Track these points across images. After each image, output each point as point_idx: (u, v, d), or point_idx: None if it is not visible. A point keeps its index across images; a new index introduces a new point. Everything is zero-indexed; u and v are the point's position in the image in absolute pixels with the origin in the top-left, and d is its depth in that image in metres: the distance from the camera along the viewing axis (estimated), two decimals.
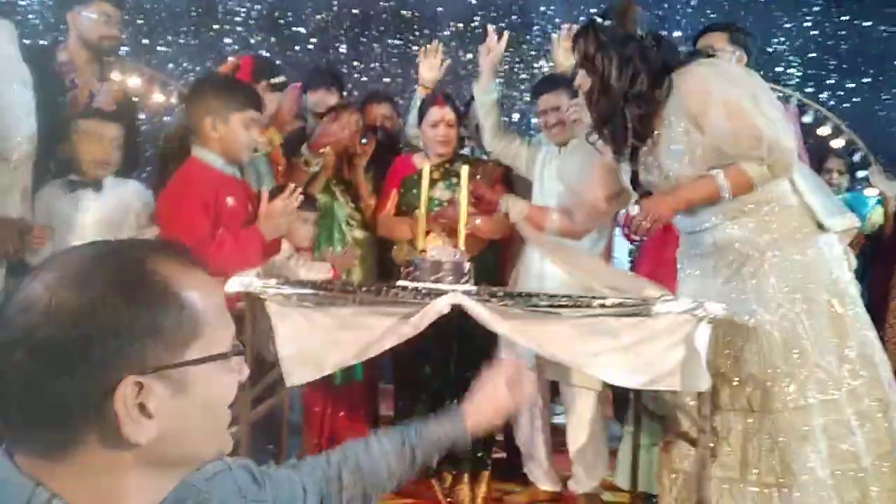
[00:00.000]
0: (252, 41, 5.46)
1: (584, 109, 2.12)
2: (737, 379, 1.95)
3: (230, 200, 2.03)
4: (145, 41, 5.35)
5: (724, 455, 1.94)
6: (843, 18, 5.95)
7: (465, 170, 2.19)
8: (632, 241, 2.15)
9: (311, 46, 5.60)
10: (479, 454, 2.62)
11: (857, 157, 4.03)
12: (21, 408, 0.61)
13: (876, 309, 2.97)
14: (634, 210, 1.98)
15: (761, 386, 1.91)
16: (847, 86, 5.88)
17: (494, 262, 2.82)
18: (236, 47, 5.41)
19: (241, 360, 0.71)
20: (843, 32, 5.95)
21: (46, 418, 0.61)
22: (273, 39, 5.50)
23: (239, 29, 5.47)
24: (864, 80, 5.91)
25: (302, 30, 5.58)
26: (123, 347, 0.61)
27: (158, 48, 5.39)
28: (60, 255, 0.66)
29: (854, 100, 5.83)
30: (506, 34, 2.78)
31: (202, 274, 0.69)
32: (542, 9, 5.94)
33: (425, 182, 2.16)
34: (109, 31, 2.69)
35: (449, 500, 2.57)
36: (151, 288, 0.63)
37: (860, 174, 4.38)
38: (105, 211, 2.33)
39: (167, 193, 2.16)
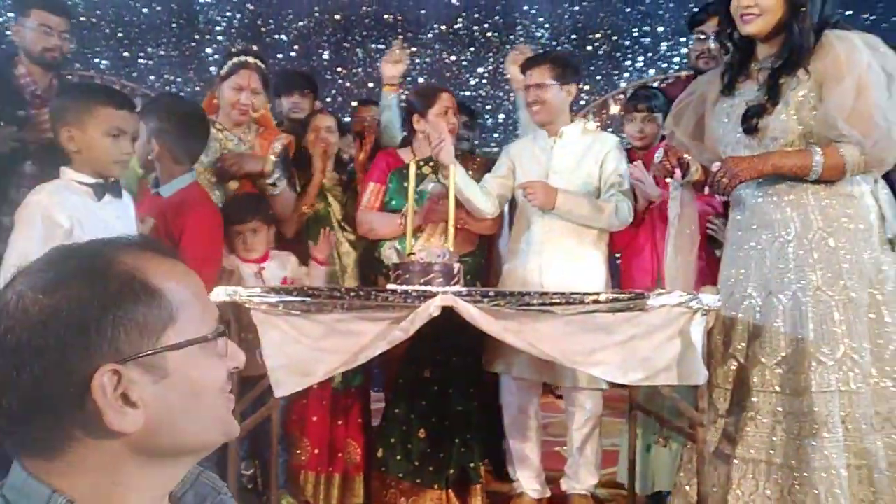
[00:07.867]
0: (234, 50, 5.39)
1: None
2: (767, 360, 1.89)
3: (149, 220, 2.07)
4: (126, 54, 5.30)
5: (750, 436, 1.89)
6: None
7: (453, 169, 2.15)
8: (721, 196, 2.05)
9: (293, 53, 5.55)
10: (472, 465, 2.46)
11: None
12: (5, 411, 0.62)
13: None
14: (716, 166, 1.90)
15: (792, 368, 1.85)
16: None
17: (483, 263, 2.75)
18: (217, 57, 5.36)
19: (231, 344, 0.71)
20: None
21: (32, 418, 0.62)
22: (255, 48, 5.45)
23: (220, 38, 5.42)
24: None
25: (284, 37, 5.53)
26: (94, 340, 0.61)
27: (139, 61, 5.34)
28: (31, 263, 0.67)
29: None
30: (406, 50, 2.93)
31: (172, 262, 0.69)
32: (526, 8, 5.91)
33: (412, 178, 2.10)
34: (50, 43, 2.51)
35: None
36: (117, 279, 0.64)
37: None
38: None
39: None
